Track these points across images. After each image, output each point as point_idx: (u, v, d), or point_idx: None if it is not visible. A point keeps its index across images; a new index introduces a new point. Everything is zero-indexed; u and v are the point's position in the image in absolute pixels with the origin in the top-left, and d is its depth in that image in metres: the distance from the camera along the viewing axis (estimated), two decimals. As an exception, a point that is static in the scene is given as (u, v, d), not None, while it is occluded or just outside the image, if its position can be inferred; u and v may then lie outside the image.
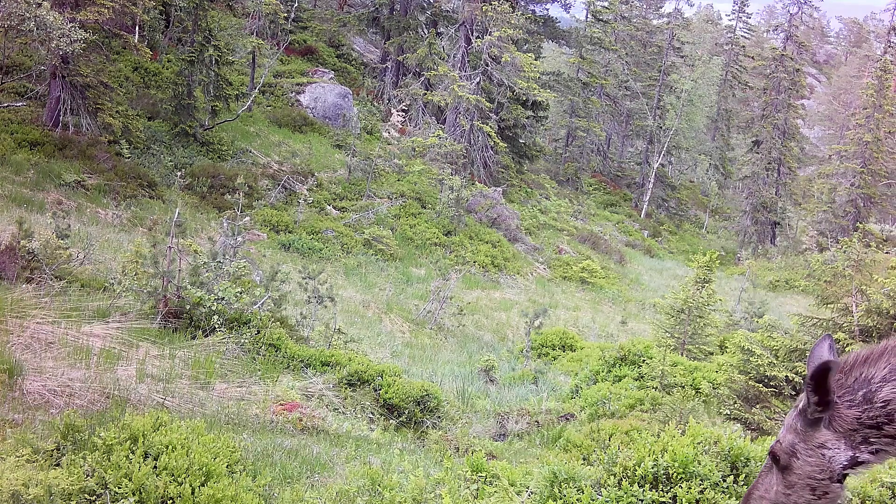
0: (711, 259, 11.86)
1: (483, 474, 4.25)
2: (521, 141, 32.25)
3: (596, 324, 18.02)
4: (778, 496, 2.82)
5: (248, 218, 13.59)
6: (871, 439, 2.68)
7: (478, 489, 4.13)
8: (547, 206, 30.49)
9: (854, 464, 2.75)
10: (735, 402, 7.23)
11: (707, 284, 11.66)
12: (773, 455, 2.81)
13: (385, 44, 32.67)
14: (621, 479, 3.69)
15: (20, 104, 17.09)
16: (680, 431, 4.02)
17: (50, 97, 16.66)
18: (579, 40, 36.13)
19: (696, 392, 8.28)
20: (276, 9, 24.62)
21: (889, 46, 38.18)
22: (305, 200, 19.94)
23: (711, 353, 11.38)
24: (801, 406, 2.78)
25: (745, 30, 46.60)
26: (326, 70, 30.24)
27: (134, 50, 20.80)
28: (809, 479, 2.77)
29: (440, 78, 27.53)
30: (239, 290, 7.94)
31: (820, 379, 2.65)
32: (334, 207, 21.59)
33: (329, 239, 19.15)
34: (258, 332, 7.62)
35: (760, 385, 7.04)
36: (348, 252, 19.07)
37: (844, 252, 19.16)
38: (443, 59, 28.60)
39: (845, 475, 2.77)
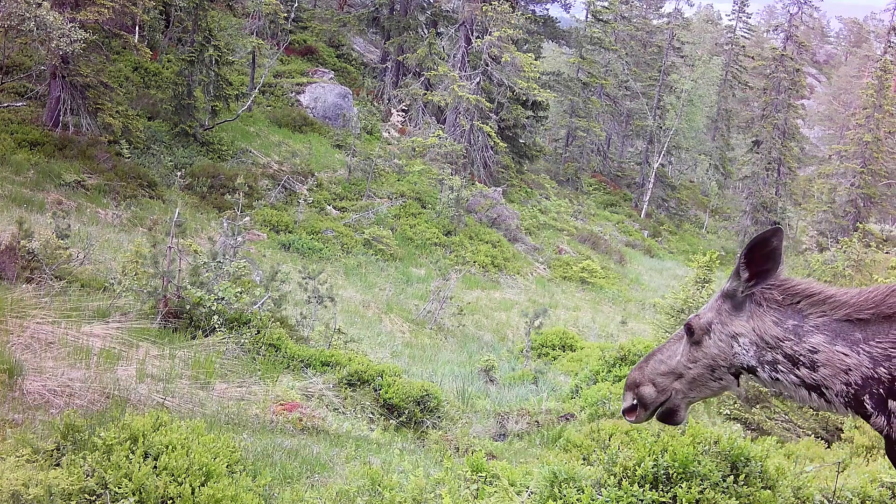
0: (711, 259, 11.86)
1: (483, 474, 4.25)
2: (521, 141, 32.25)
3: (596, 324, 18.02)
4: (679, 365, 2.94)
5: (248, 218, 13.58)
6: (781, 368, 2.75)
7: (478, 489, 4.13)
8: (547, 206, 30.49)
9: (752, 372, 2.84)
10: (735, 402, 7.23)
11: (707, 284, 11.66)
12: (689, 328, 2.92)
13: (385, 44, 32.66)
14: (621, 479, 3.69)
15: (20, 104, 17.09)
16: (680, 431, 4.02)
17: (50, 97, 16.65)
18: (579, 40, 36.12)
19: (696, 392, 8.25)
20: (276, 9, 24.60)
21: (889, 46, 38.19)
22: (305, 200, 19.94)
23: (711, 353, 11.34)
24: (728, 287, 2.87)
25: (745, 30, 46.60)
26: (326, 70, 30.24)
27: (134, 50, 20.79)
28: (712, 361, 2.88)
29: (440, 78, 27.54)
30: (239, 290, 7.94)
31: (760, 247, 2.73)
32: (334, 207, 21.59)
33: (329, 239, 19.15)
34: (258, 332, 7.62)
35: (760, 385, 7.03)
36: (348, 252, 19.06)
37: (844, 252, 19.15)
38: (443, 59, 28.60)
39: (741, 374, 2.87)
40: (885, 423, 2.57)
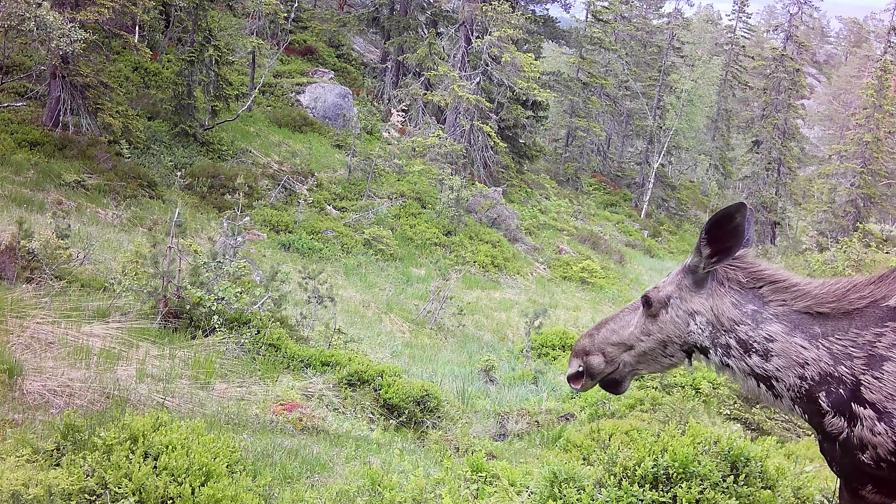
0: (711, 259, 11.83)
1: (483, 474, 4.25)
2: (521, 141, 32.25)
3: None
4: (631, 336, 2.86)
5: (248, 218, 13.59)
6: (733, 354, 2.69)
7: (478, 489, 4.13)
8: (547, 206, 30.48)
9: (705, 353, 2.78)
10: (735, 402, 7.23)
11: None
12: (647, 300, 2.84)
13: (385, 44, 32.66)
14: (621, 479, 3.69)
15: (20, 104, 17.09)
16: (680, 431, 4.02)
17: (50, 97, 16.65)
18: (579, 40, 36.12)
19: (696, 392, 8.27)
20: (276, 9, 24.61)
21: (889, 46, 38.22)
22: (305, 200, 19.93)
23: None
24: (690, 263, 2.79)
25: (745, 30, 46.59)
26: (326, 70, 30.24)
27: (134, 50, 20.80)
28: (665, 337, 2.81)
29: (440, 78, 27.53)
30: (239, 290, 7.94)
31: (723, 222, 2.62)
32: (334, 207, 21.59)
33: (329, 239, 19.15)
34: (258, 332, 7.61)
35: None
36: (348, 252, 19.06)
37: (844, 252, 19.14)
38: (443, 59, 28.60)
39: (693, 352, 2.81)
40: (845, 425, 2.51)
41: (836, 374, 2.51)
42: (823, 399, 2.53)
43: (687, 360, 2.85)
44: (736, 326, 2.65)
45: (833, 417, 2.53)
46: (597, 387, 3.04)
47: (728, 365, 2.71)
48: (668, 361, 2.86)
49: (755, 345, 2.62)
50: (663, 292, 2.82)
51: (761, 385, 2.66)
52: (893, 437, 2.40)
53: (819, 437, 2.68)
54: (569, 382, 2.98)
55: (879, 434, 2.43)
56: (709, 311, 2.71)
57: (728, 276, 2.71)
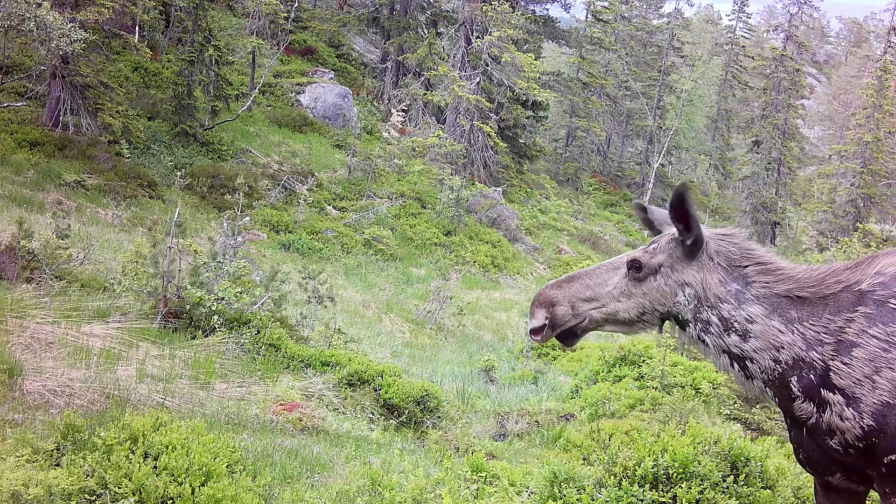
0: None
1: (483, 474, 4.26)
2: (521, 141, 32.25)
3: (596, 324, 17.95)
4: (607, 296, 2.80)
5: (248, 218, 13.59)
6: (711, 331, 2.69)
7: (478, 489, 4.13)
8: (547, 206, 30.48)
9: (682, 325, 2.78)
10: (735, 402, 7.23)
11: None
12: (637, 263, 2.79)
13: (385, 44, 32.67)
14: (621, 479, 3.69)
15: (20, 104, 17.09)
16: (680, 431, 4.03)
17: (50, 97, 16.65)
18: (579, 40, 36.12)
19: (696, 392, 8.27)
20: (276, 9, 24.62)
21: (889, 46, 38.22)
22: (305, 200, 19.93)
23: (711, 353, 11.32)
24: (676, 234, 2.80)
25: (745, 30, 46.56)
26: (326, 70, 30.25)
27: (134, 50, 20.80)
28: (648, 303, 2.77)
29: (440, 78, 27.54)
30: (239, 290, 7.93)
31: (678, 202, 2.66)
32: (334, 207, 21.59)
33: (329, 239, 19.14)
34: (258, 332, 7.61)
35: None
36: (348, 252, 19.06)
37: (844, 252, 19.11)
38: (443, 59, 28.60)
39: (665, 320, 2.81)
40: (814, 410, 2.52)
41: (807, 359, 2.52)
42: (795, 384, 2.55)
43: (660, 327, 2.84)
44: (720, 304, 2.66)
45: (803, 402, 2.54)
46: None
47: (704, 340, 2.71)
48: (640, 325, 2.84)
49: (735, 324, 2.63)
50: (655, 259, 2.79)
51: (735, 364, 2.67)
52: (861, 423, 2.41)
53: (788, 422, 2.69)
54: (531, 334, 2.91)
55: (848, 420, 2.44)
56: (699, 284, 2.70)
57: (719, 251, 2.72)
